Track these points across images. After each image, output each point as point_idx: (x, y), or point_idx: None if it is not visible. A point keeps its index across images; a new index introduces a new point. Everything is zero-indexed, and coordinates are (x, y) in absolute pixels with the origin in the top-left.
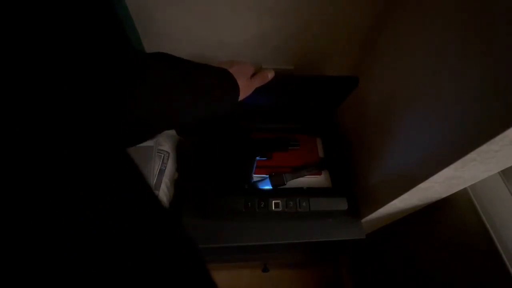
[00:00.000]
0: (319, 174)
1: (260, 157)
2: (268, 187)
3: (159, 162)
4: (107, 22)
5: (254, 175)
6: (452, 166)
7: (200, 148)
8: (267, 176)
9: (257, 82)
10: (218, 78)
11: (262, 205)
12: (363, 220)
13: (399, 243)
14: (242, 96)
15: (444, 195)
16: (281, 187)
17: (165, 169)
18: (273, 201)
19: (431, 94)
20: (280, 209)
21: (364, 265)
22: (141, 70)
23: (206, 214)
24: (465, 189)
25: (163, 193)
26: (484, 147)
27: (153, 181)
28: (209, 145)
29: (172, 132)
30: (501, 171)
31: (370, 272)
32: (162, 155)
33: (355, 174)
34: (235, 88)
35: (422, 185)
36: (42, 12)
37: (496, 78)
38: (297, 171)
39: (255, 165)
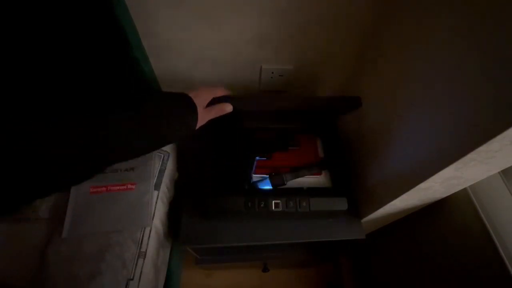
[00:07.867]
0: (319, 174)
1: (260, 157)
2: (268, 187)
3: (159, 162)
4: (106, 22)
5: (254, 175)
6: (452, 166)
7: (200, 148)
8: (267, 176)
9: (213, 114)
10: (176, 104)
11: (262, 205)
12: (363, 220)
13: (399, 243)
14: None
15: (444, 195)
16: (281, 187)
17: (165, 169)
18: (273, 201)
19: (431, 94)
20: (280, 209)
21: (364, 265)
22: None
23: (206, 214)
24: (465, 189)
25: (163, 193)
26: (484, 147)
27: (153, 181)
28: (209, 145)
29: None
30: (501, 171)
31: (370, 272)
32: (162, 155)
33: (355, 174)
34: (194, 113)
35: (422, 185)
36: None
37: (496, 77)
38: (297, 171)
39: (255, 165)
